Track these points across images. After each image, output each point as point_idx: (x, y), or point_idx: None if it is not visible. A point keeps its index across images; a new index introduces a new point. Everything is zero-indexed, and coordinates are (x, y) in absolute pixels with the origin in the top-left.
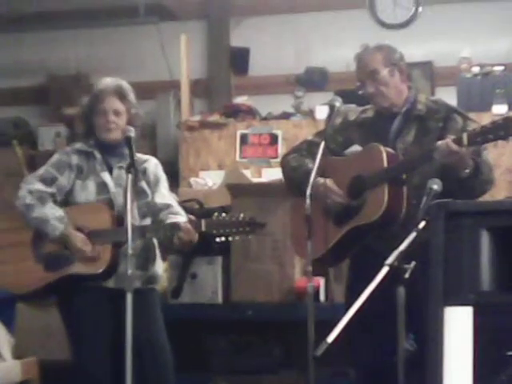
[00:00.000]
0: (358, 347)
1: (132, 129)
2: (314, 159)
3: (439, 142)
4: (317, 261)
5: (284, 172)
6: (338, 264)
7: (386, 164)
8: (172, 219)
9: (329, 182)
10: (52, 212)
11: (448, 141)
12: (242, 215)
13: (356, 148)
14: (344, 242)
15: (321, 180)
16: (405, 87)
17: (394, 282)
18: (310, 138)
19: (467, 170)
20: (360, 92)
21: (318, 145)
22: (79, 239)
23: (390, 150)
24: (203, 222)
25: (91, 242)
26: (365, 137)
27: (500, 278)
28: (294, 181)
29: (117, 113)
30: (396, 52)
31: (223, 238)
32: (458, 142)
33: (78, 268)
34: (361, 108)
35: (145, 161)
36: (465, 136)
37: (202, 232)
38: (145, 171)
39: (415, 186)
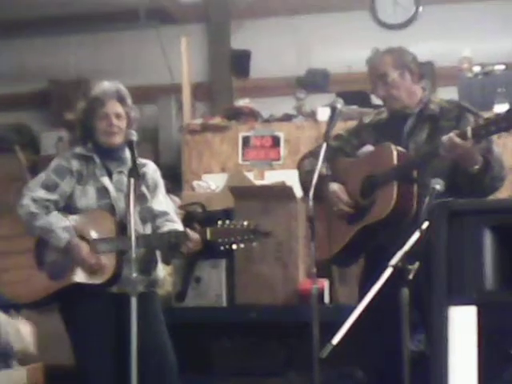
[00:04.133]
0: (369, 348)
1: (134, 133)
2: (329, 163)
3: (444, 137)
4: (331, 260)
5: (299, 175)
6: (351, 264)
7: (395, 162)
8: (169, 226)
9: (337, 188)
10: (57, 221)
11: (452, 135)
12: (245, 223)
13: (368, 148)
14: (356, 241)
15: (332, 186)
16: (417, 88)
17: (400, 282)
18: None
19: (477, 166)
20: (372, 95)
21: (334, 149)
22: (84, 251)
23: (400, 148)
24: (208, 230)
25: (96, 252)
26: (379, 138)
27: (503, 277)
28: (308, 184)
29: (118, 116)
30: (407, 54)
31: (227, 246)
32: (463, 135)
33: (82, 277)
34: (376, 111)
35: (144, 165)
36: (469, 129)
37: (207, 241)
38: (144, 176)
39: (427, 185)
